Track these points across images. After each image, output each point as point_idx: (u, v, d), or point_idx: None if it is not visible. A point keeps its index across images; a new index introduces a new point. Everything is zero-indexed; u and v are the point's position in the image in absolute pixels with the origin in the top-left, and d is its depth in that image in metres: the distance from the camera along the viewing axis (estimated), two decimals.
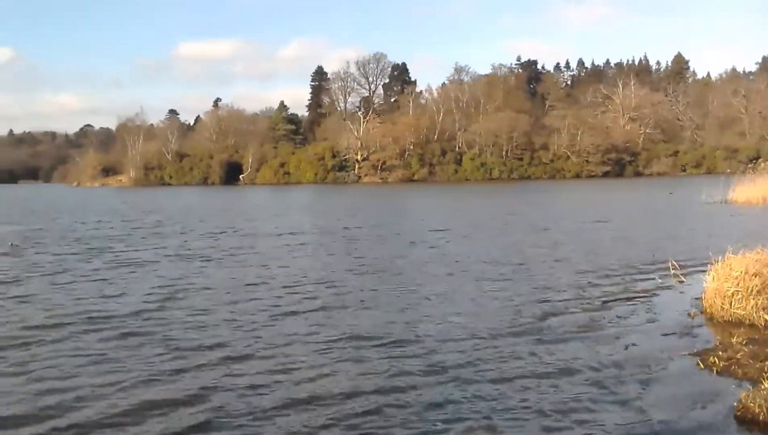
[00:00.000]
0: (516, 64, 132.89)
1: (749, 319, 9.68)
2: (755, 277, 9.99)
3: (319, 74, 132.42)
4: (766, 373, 7.24)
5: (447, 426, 6.35)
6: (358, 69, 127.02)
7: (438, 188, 76.24)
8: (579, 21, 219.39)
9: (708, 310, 10.38)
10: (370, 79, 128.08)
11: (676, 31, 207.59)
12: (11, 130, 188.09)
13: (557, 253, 18.05)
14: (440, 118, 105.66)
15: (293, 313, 11.18)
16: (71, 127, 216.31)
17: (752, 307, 9.72)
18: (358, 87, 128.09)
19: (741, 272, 10.13)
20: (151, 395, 7.27)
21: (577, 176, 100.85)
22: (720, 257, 10.82)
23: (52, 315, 11.19)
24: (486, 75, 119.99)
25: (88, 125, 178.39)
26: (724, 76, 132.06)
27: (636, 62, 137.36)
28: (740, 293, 9.93)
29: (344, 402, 6.98)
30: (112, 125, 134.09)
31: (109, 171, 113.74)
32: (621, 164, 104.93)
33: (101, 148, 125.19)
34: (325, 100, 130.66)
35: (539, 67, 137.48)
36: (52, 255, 19.41)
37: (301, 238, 23.37)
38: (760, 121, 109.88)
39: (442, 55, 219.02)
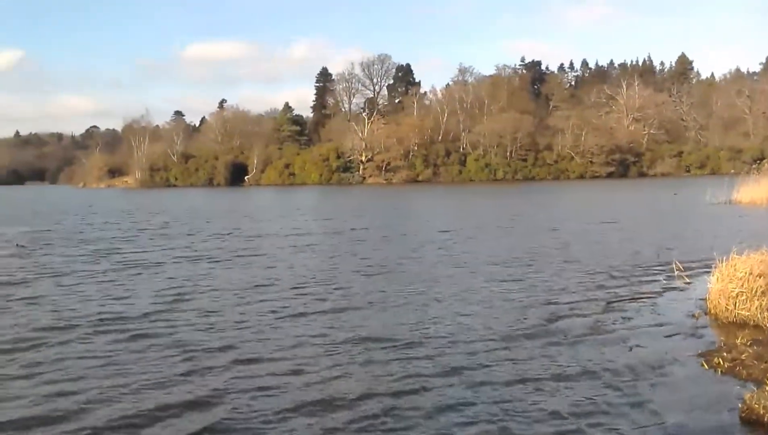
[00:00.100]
0: (520, 65, 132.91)
1: (754, 320, 9.71)
2: (760, 278, 10.01)
3: (324, 75, 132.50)
4: None
5: (461, 429, 6.34)
6: (363, 70, 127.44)
7: (442, 189, 76.21)
8: (579, 21, 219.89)
9: (712, 311, 10.41)
10: (375, 80, 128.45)
11: (676, 31, 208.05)
12: (18, 132, 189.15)
13: (563, 254, 18.11)
14: (444, 119, 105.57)
15: (302, 314, 11.20)
16: (77, 129, 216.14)
17: (757, 308, 9.75)
18: (363, 88, 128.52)
19: (745, 273, 10.14)
20: (162, 398, 7.24)
21: (581, 177, 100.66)
22: (724, 258, 10.82)
23: (61, 317, 11.20)
24: (490, 76, 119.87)
25: (94, 127, 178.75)
26: (728, 76, 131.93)
27: (640, 63, 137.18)
28: (745, 294, 9.95)
29: (357, 404, 6.98)
30: (118, 127, 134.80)
31: (115, 172, 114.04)
32: (625, 165, 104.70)
33: (107, 150, 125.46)
34: (330, 101, 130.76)
35: (543, 67, 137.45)
36: (60, 256, 19.48)
37: (308, 239, 23.46)
38: (764, 121, 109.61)
39: (443, 56, 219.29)
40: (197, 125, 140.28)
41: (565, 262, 16.63)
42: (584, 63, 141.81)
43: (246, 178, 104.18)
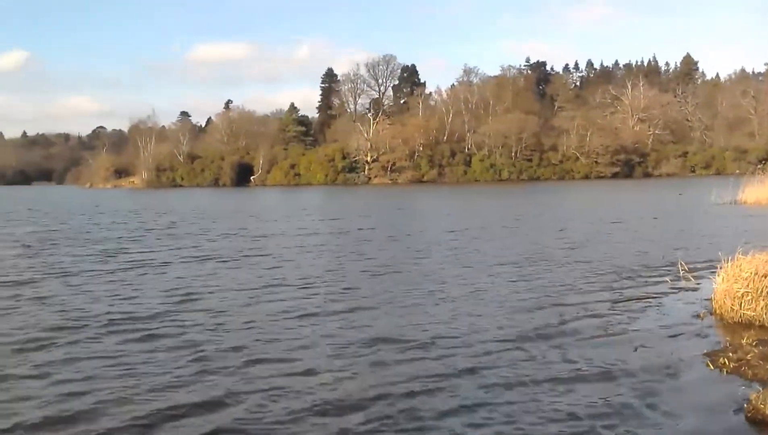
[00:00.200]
0: (525, 66, 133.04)
1: (759, 320, 9.74)
2: (765, 278, 10.01)
3: (329, 76, 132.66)
4: None
5: (475, 430, 6.35)
6: (368, 71, 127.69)
7: (448, 189, 76.23)
8: (579, 21, 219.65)
9: (718, 312, 10.43)
10: (380, 80, 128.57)
11: (676, 31, 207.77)
12: (25, 132, 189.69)
13: (569, 254, 18.15)
14: (449, 120, 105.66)
15: (311, 314, 11.22)
16: (84, 130, 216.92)
17: (762, 308, 9.77)
18: (368, 89, 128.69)
19: (751, 273, 10.14)
20: (173, 398, 7.23)
21: (586, 177, 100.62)
22: (730, 258, 10.82)
23: (69, 317, 11.20)
24: (495, 76, 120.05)
25: (101, 127, 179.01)
26: (732, 76, 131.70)
27: (645, 63, 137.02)
28: (750, 294, 9.96)
29: (369, 405, 6.97)
30: (125, 127, 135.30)
31: (121, 173, 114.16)
32: (630, 165, 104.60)
33: (113, 150, 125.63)
34: (335, 101, 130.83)
35: (548, 68, 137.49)
36: (67, 256, 19.56)
37: (315, 239, 23.54)
38: None
39: (444, 56, 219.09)
40: (203, 126, 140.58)
41: (571, 262, 16.67)
42: (589, 63, 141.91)
43: (252, 178, 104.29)
